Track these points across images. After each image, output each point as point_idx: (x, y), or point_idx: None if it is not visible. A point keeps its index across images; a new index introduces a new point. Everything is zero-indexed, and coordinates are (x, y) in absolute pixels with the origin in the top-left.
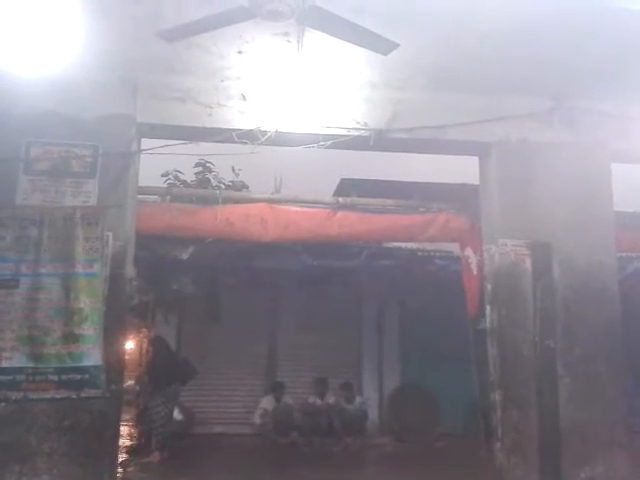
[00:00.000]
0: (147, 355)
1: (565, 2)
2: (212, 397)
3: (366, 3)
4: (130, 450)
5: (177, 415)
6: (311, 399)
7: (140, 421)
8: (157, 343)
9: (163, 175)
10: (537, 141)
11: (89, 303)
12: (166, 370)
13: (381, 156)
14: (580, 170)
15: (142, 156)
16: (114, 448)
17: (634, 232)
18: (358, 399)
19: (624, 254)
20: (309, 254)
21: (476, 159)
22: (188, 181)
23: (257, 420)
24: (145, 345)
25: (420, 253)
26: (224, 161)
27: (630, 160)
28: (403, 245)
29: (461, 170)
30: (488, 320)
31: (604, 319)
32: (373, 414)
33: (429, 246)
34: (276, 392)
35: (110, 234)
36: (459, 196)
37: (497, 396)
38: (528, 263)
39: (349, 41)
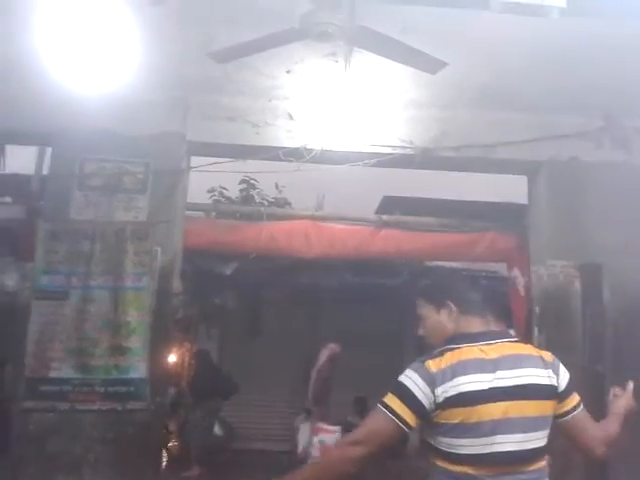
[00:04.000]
0: (189, 368)
1: (615, 22)
2: (252, 413)
3: (413, 23)
4: (169, 463)
5: (217, 430)
6: (350, 418)
7: (180, 434)
8: (200, 357)
9: (209, 191)
10: (588, 161)
11: (136, 316)
12: (208, 384)
13: (424, 175)
14: (632, 191)
15: (190, 176)
16: (156, 461)
17: None
18: None
19: None
20: (350, 271)
21: (521, 179)
22: (233, 197)
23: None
24: (187, 358)
25: (465, 272)
26: (268, 178)
27: None
28: (447, 264)
29: (504, 190)
30: (535, 343)
31: None
32: (413, 436)
33: (474, 266)
34: (357, 407)
35: (159, 249)
36: (505, 215)
37: None
38: (577, 285)
39: (397, 60)
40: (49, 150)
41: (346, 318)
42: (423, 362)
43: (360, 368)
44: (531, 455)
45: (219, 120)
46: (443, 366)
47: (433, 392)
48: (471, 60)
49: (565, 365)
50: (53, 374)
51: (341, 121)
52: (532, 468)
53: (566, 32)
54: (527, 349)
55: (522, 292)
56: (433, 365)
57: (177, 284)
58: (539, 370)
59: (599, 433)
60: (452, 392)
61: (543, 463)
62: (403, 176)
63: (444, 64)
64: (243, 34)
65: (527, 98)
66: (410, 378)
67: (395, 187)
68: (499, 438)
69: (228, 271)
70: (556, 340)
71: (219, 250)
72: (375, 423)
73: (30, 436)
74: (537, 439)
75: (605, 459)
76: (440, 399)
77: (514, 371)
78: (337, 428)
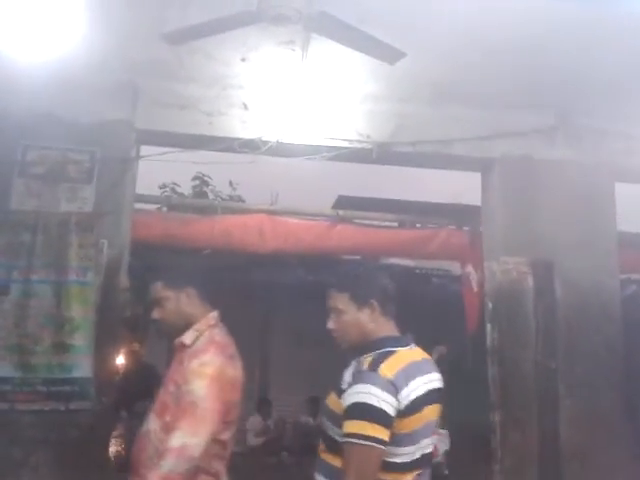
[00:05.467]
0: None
1: (571, 22)
2: None
3: (372, 13)
4: (115, 465)
5: None
6: (303, 419)
7: (124, 435)
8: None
9: (160, 187)
10: (541, 158)
11: (81, 312)
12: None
13: (379, 175)
14: (584, 189)
15: (140, 167)
16: (102, 464)
17: (637, 253)
18: None
19: (624, 276)
20: (304, 268)
21: (474, 179)
22: (185, 194)
23: (252, 441)
24: (135, 359)
25: (418, 271)
26: (221, 175)
27: (634, 180)
28: (401, 262)
29: (459, 191)
30: (488, 339)
31: (606, 341)
32: None
33: (427, 264)
34: (262, 410)
35: (105, 242)
36: (459, 214)
37: (497, 417)
38: (530, 281)
39: (356, 49)
40: None
41: (300, 316)
42: (375, 370)
43: (314, 368)
44: (430, 457)
45: (170, 108)
46: (396, 371)
47: (397, 400)
48: (429, 54)
49: (517, 360)
50: None
51: (297, 113)
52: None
53: (522, 31)
54: (425, 354)
55: (475, 288)
56: (387, 371)
57: (124, 279)
58: (437, 374)
59: None
60: (410, 398)
61: None
62: (358, 175)
63: (402, 54)
64: (197, 15)
65: (483, 94)
66: (374, 395)
67: (350, 188)
68: (423, 442)
69: None
70: (509, 336)
71: (170, 244)
72: (368, 462)
73: None
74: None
75: None
76: (402, 406)
77: (429, 375)
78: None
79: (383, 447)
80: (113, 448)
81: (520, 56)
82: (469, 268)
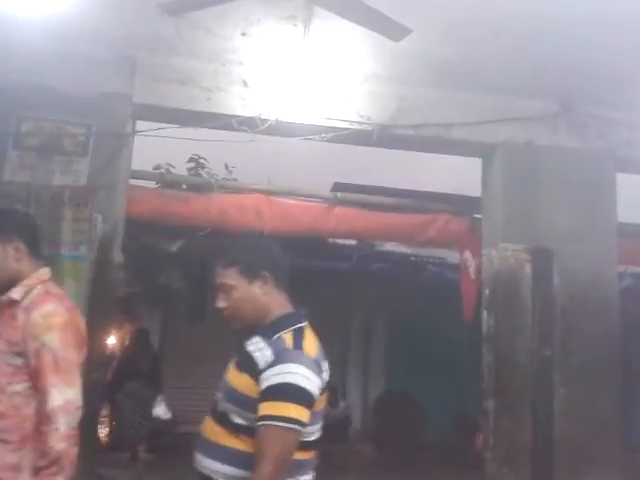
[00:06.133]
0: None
1: (578, 7)
2: (196, 397)
3: None
4: (102, 447)
5: (164, 414)
6: None
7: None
8: (139, 335)
9: (155, 168)
10: (543, 145)
11: (74, 287)
12: (143, 365)
13: (377, 163)
14: (585, 177)
15: (136, 146)
16: (92, 444)
17: (636, 244)
18: (342, 404)
19: (621, 268)
20: (299, 253)
21: (472, 171)
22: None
23: None
24: (127, 340)
25: (413, 258)
26: (217, 157)
27: (635, 170)
28: (397, 250)
29: (458, 183)
30: (484, 326)
31: (603, 330)
32: (356, 420)
33: (422, 252)
34: None
35: (99, 216)
36: (457, 203)
37: (490, 404)
38: (528, 269)
39: (359, 23)
40: None
41: (293, 301)
42: (301, 348)
43: None
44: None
45: (168, 83)
46: (316, 349)
47: (320, 379)
48: (432, 35)
49: (513, 348)
50: None
51: (298, 91)
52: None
53: (528, 14)
54: None
55: (473, 275)
56: (310, 349)
57: (119, 255)
58: None
59: None
60: (325, 379)
61: None
62: (355, 160)
63: (408, 31)
64: None
65: (486, 78)
66: (303, 376)
67: (345, 174)
68: (320, 424)
69: (174, 248)
70: (505, 323)
71: (165, 221)
72: (289, 446)
73: None
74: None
75: None
76: (322, 386)
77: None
78: None
79: (303, 430)
80: (102, 428)
81: (524, 41)
82: (467, 255)
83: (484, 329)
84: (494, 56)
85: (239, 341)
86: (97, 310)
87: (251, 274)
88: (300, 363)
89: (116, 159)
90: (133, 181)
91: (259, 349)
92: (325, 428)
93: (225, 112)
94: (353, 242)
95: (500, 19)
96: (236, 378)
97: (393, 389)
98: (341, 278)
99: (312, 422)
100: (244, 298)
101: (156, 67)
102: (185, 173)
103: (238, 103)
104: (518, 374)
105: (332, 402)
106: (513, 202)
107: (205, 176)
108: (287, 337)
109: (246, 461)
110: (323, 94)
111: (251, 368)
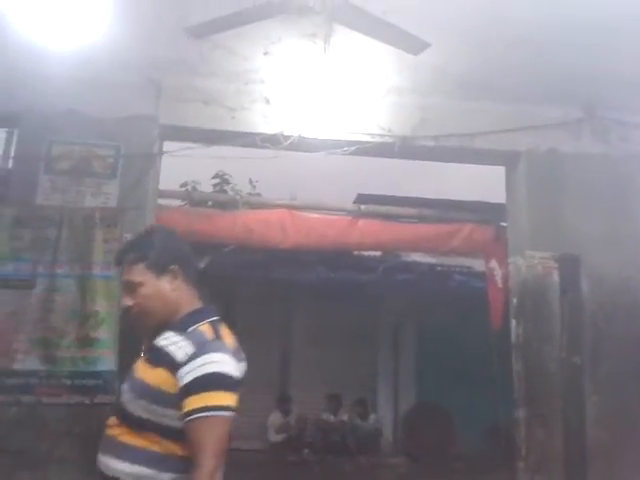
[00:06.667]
0: None
1: (597, 13)
2: None
3: (395, 6)
4: None
5: None
6: (324, 415)
7: None
8: None
9: (182, 186)
10: (567, 152)
11: (105, 306)
12: None
13: (400, 174)
14: (611, 183)
15: (162, 164)
16: None
17: None
18: (372, 416)
19: None
20: (325, 266)
21: (495, 176)
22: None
23: (273, 438)
24: None
25: (439, 268)
26: (241, 173)
27: None
28: (422, 260)
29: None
30: (513, 335)
31: (633, 336)
32: (387, 433)
33: (448, 261)
34: (282, 406)
35: (129, 236)
36: (481, 211)
37: (521, 413)
38: (556, 276)
39: (379, 39)
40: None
41: (320, 314)
42: (220, 339)
43: (333, 365)
44: None
45: (193, 103)
46: (233, 342)
47: (240, 369)
48: (452, 46)
49: (542, 356)
50: (17, 366)
51: (319, 107)
52: None
53: (547, 22)
54: None
55: (500, 284)
56: (228, 341)
57: None
58: None
59: None
60: (243, 368)
61: None
62: (377, 175)
63: (427, 44)
64: (219, 10)
65: (507, 87)
66: (229, 364)
67: (369, 187)
68: None
69: (201, 265)
70: (534, 332)
71: (192, 239)
72: (225, 434)
73: None
74: None
75: None
76: (242, 375)
77: None
78: None
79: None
80: None
81: (543, 50)
82: (493, 263)
83: (513, 338)
84: (513, 66)
85: (147, 341)
86: (128, 328)
87: (159, 269)
88: (224, 352)
89: (144, 180)
90: (161, 200)
91: (173, 342)
92: (356, 440)
93: (248, 130)
94: (378, 254)
95: (518, 30)
96: (148, 373)
97: (423, 400)
98: (367, 290)
99: None
100: (153, 294)
101: (180, 89)
102: (210, 189)
103: (261, 121)
104: (548, 382)
105: (362, 415)
106: (538, 209)
107: (230, 192)
108: (205, 328)
109: (153, 459)
110: (344, 108)
111: (167, 362)
